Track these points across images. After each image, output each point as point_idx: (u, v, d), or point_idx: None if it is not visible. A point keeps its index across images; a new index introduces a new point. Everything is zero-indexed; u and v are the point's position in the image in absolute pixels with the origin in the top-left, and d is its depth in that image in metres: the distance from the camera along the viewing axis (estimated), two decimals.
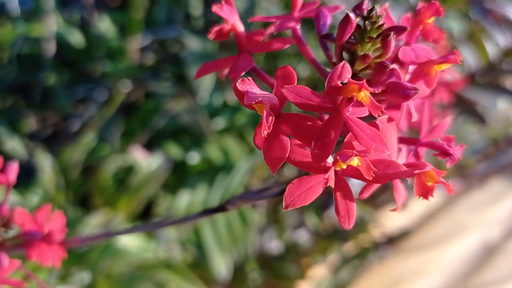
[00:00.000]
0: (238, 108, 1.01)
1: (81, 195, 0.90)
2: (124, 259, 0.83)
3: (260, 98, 0.34)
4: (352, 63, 0.40)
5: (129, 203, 0.81)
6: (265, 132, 0.35)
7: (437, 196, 0.41)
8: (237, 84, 0.36)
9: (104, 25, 0.98)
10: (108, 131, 0.84)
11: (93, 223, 0.78)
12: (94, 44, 1.02)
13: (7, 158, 0.85)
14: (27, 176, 1.05)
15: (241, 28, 0.41)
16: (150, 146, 1.01)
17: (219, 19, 0.87)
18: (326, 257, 1.14)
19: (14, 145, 0.94)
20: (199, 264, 1.04)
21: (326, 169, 0.36)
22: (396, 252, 1.30)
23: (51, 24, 0.96)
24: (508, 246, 1.65)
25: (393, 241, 0.93)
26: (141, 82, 0.91)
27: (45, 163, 0.83)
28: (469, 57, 0.85)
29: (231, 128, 1.02)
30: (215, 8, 0.40)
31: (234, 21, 0.41)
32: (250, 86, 0.35)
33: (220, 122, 1.01)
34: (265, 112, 0.35)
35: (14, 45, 0.95)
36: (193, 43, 0.77)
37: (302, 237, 1.02)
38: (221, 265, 0.94)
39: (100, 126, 0.86)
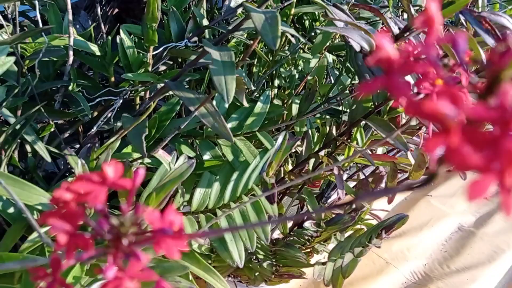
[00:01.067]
0: (250, 110, 1.10)
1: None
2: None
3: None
4: None
5: (156, 202, 0.89)
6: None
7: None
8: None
9: (121, 36, 1.05)
10: (134, 135, 0.91)
11: None
12: (110, 54, 1.09)
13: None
14: (50, 181, 1.11)
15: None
16: (163, 148, 1.09)
17: (228, 32, 0.96)
18: (327, 246, 1.23)
19: (39, 149, 1.00)
20: (210, 255, 1.13)
21: None
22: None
23: (70, 34, 1.02)
24: (484, 231, 1.79)
25: (388, 228, 1.04)
26: (162, 88, 0.98)
27: (75, 163, 0.90)
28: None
29: (241, 128, 1.11)
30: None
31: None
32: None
33: (231, 123, 1.10)
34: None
35: (36, 54, 1.01)
36: (213, 51, 0.85)
37: (306, 227, 1.11)
38: (236, 254, 1.02)
39: (125, 131, 0.93)
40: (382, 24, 1.03)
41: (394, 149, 1.37)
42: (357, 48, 1.00)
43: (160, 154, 0.96)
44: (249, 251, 1.07)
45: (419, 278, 1.60)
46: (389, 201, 1.40)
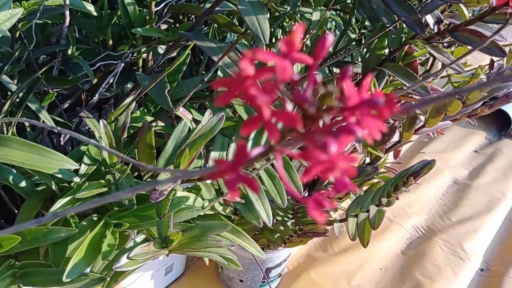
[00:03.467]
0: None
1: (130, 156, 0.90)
2: (190, 211, 0.85)
3: None
4: None
5: (189, 158, 0.83)
6: None
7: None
8: None
9: None
10: (157, 91, 0.85)
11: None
12: (107, 13, 1.01)
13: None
14: (60, 148, 1.03)
15: None
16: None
17: None
18: (340, 204, 1.21)
19: (44, 118, 0.92)
20: (232, 217, 1.09)
21: None
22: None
23: None
24: (478, 182, 1.81)
25: (416, 174, 1.02)
26: (176, 42, 0.92)
27: (95, 126, 0.83)
28: None
29: None
30: None
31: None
32: None
33: None
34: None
35: (32, 14, 0.92)
36: None
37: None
38: (263, 214, 0.98)
39: (143, 89, 0.87)
40: None
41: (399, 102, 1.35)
42: None
43: (181, 111, 0.90)
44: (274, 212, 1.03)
45: (423, 232, 1.60)
46: (395, 156, 1.39)
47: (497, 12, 0.87)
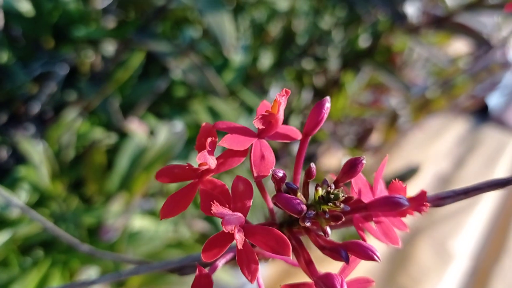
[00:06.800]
0: (225, 64, 0.93)
1: (73, 184, 0.78)
2: (150, 243, 0.74)
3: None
4: None
5: (146, 182, 0.71)
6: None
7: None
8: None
9: None
10: (106, 106, 0.72)
11: (115, 210, 0.67)
12: (47, 10, 0.88)
13: None
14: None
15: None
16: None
17: None
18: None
19: None
20: (204, 240, 0.97)
21: None
22: None
23: None
24: (459, 174, 1.74)
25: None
26: (126, 43, 0.79)
27: (33, 150, 0.70)
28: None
29: None
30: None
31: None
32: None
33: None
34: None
35: None
36: None
37: None
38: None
39: (90, 103, 0.74)
40: None
41: (377, 98, 1.26)
42: None
43: (135, 125, 0.77)
44: None
45: (406, 232, 1.53)
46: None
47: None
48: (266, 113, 0.24)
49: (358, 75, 1.01)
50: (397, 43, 0.97)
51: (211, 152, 0.24)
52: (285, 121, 1.02)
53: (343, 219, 0.22)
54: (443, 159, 1.82)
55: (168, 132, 0.76)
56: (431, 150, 1.84)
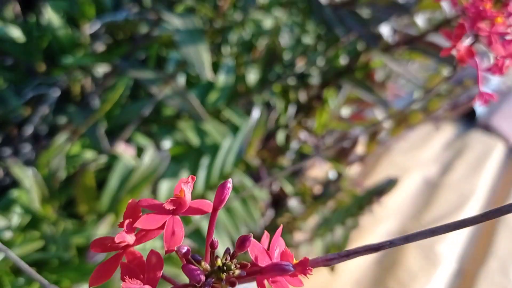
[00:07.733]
0: (210, 85, 0.96)
1: (65, 203, 0.82)
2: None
3: None
4: None
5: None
6: None
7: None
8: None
9: (47, 14, 0.89)
10: (93, 131, 0.76)
11: (101, 233, 0.71)
12: (37, 37, 0.92)
13: None
14: None
15: None
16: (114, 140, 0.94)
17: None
18: (307, 222, 1.15)
19: None
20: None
21: None
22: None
23: None
24: (447, 180, 1.78)
25: (380, 194, 0.96)
26: (113, 71, 0.83)
27: (23, 175, 0.74)
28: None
29: (203, 106, 0.98)
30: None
31: None
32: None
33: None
34: None
35: None
36: (174, 20, 0.71)
37: (292, 206, 1.02)
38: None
39: (78, 128, 0.78)
40: None
41: (361, 110, 1.30)
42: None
43: (122, 149, 0.81)
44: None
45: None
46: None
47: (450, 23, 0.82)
48: (175, 197, 0.29)
49: (340, 91, 1.05)
50: (375, 60, 1.01)
51: (130, 231, 0.28)
52: (273, 136, 1.06)
53: (236, 284, 0.27)
54: (432, 164, 1.86)
55: (153, 152, 0.80)
56: (420, 156, 1.88)
